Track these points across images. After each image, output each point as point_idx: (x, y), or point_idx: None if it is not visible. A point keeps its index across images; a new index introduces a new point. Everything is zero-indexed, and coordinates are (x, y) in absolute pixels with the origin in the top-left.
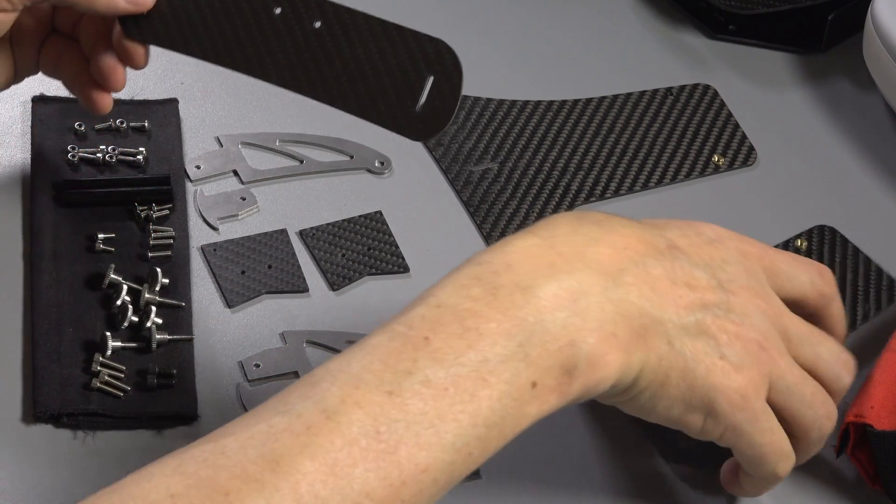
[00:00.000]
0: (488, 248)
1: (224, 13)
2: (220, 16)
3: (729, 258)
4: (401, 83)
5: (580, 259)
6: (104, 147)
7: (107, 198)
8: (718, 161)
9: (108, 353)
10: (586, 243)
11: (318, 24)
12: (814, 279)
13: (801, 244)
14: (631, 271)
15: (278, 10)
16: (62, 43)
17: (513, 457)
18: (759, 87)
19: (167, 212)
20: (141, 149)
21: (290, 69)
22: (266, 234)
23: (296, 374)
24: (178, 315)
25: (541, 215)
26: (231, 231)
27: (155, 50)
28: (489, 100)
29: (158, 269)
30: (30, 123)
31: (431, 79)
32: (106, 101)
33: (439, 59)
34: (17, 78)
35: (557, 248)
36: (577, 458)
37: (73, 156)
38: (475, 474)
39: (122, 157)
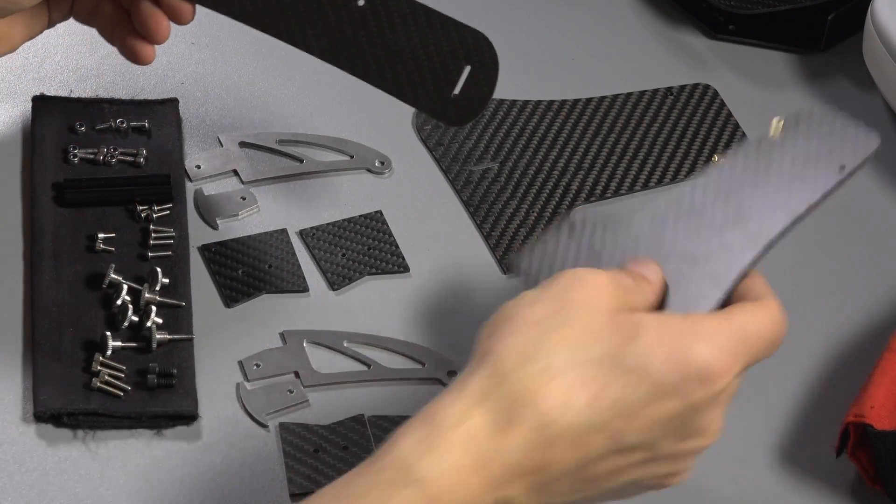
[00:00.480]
0: (430, 446)
1: None
2: None
3: (701, 403)
4: (439, 69)
5: (504, 489)
6: (104, 147)
7: (107, 198)
8: (718, 161)
9: (108, 352)
10: (520, 465)
11: (361, 2)
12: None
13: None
14: (547, 489)
15: None
16: None
17: None
18: (759, 87)
19: (167, 212)
20: (141, 149)
21: (331, 43)
22: (266, 234)
23: (296, 374)
24: (178, 315)
25: (541, 215)
26: (231, 231)
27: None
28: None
29: (158, 269)
30: (30, 123)
31: (469, 68)
32: (148, 51)
33: (478, 50)
34: (50, 23)
35: (491, 472)
36: None
37: (74, 156)
38: None
39: (122, 157)
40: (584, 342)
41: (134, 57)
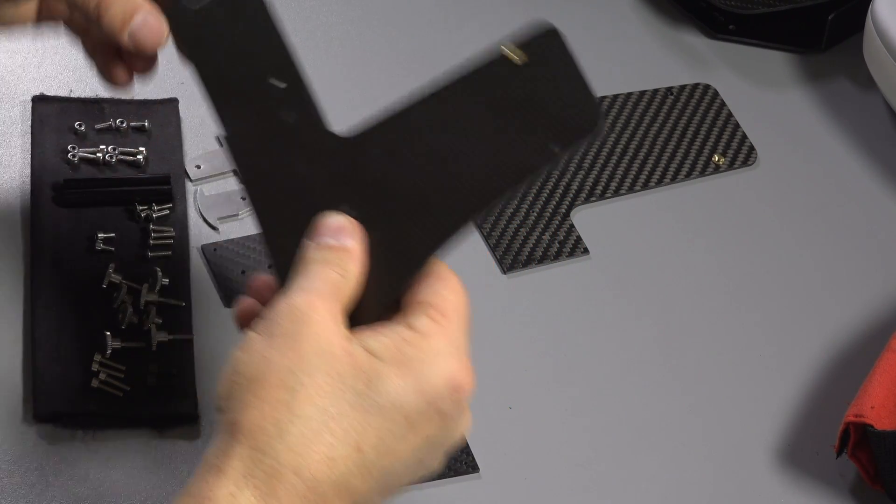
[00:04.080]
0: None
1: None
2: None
3: (454, 411)
4: None
5: None
6: (104, 147)
7: (107, 198)
8: (718, 161)
9: (108, 353)
10: None
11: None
12: None
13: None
14: None
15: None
16: None
17: (511, 452)
18: (759, 87)
19: (167, 212)
20: (141, 148)
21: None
22: None
23: None
24: (178, 315)
25: (541, 215)
26: (231, 231)
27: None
28: None
29: (158, 269)
30: (30, 123)
31: None
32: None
33: None
34: (38, 18)
35: None
36: (575, 453)
37: (73, 156)
38: (474, 469)
39: (122, 157)
40: (332, 393)
41: (110, 80)
